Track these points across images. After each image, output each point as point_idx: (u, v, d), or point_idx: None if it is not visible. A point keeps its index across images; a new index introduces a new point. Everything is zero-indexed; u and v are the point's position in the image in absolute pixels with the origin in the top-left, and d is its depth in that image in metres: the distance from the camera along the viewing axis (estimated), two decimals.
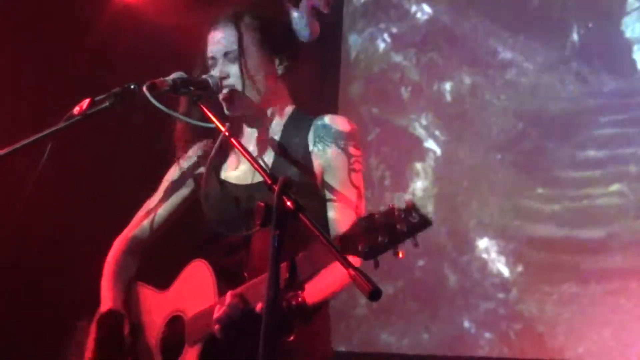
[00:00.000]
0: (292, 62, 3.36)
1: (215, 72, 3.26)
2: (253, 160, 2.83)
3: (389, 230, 2.49)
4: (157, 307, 3.39)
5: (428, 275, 6.19)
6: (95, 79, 5.14)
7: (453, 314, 6.09)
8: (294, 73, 3.37)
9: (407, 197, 6.20)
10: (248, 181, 3.28)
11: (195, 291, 3.17)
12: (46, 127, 3.14)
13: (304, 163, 3.23)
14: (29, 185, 3.20)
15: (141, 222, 3.56)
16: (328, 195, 3.22)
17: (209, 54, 3.30)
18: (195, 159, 3.50)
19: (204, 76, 3.22)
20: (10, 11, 5.32)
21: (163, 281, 3.43)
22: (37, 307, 5.26)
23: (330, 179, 3.21)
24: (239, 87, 3.24)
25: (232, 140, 2.95)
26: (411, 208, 2.50)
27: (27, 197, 3.20)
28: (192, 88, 3.14)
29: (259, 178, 3.18)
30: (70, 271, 5.15)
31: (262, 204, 2.51)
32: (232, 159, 3.40)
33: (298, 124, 3.31)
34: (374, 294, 2.33)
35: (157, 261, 3.73)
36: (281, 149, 3.28)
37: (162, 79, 3.10)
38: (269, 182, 2.60)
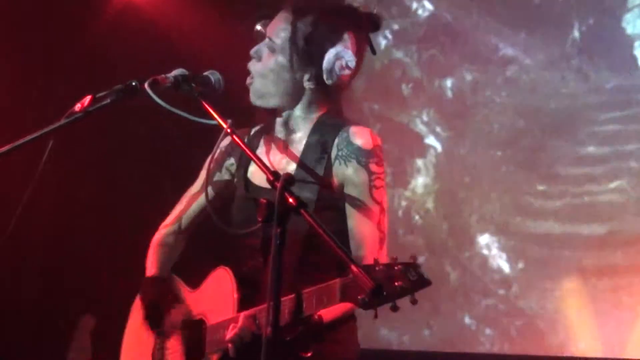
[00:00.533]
0: (321, 87, 3.31)
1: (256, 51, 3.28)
2: (255, 158, 2.82)
3: (388, 285, 2.50)
4: (184, 306, 3.39)
5: (429, 271, 6.04)
6: (96, 76, 5.14)
7: (454, 310, 6.09)
8: (325, 94, 3.34)
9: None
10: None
11: (218, 300, 3.17)
12: (47, 124, 3.14)
13: (326, 171, 3.20)
14: (31, 183, 3.20)
15: (184, 208, 3.54)
16: (348, 207, 3.19)
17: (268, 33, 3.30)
18: (228, 148, 3.47)
19: (205, 73, 3.21)
20: (11, 9, 5.31)
21: (191, 279, 3.44)
22: (41, 303, 5.26)
23: (350, 195, 3.18)
24: (260, 80, 3.25)
25: (234, 137, 2.94)
26: (411, 266, 2.54)
27: (29, 194, 3.20)
28: (193, 85, 3.13)
29: None
30: (74, 267, 5.16)
31: (265, 200, 2.51)
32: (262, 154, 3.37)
33: (325, 130, 3.27)
34: (376, 292, 2.34)
35: (188, 258, 3.74)
36: (306, 152, 3.25)
37: (163, 75, 3.09)
38: (271, 178, 2.60)
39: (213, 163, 3.43)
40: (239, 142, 2.91)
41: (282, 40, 3.25)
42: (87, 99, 3.12)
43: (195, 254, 3.86)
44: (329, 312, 2.95)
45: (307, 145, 3.27)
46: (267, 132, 3.37)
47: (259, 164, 2.78)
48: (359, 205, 3.17)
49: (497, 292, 6.01)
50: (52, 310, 5.16)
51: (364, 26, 3.38)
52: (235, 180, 3.41)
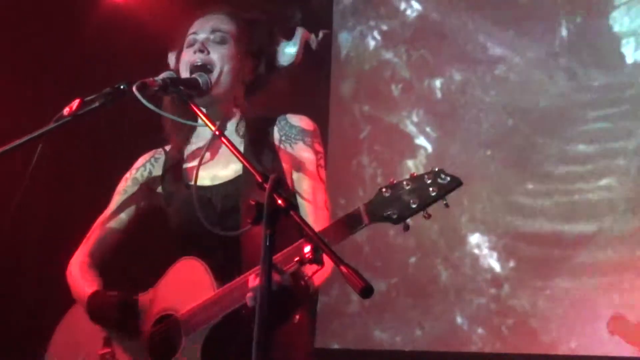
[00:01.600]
0: (257, 81, 3.38)
1: (194, 48, 3.27)
2: (244, 159, 2.82)
3: (418, 194, 2.66)
4: (142, 310, 3.34)
5: (420, 271, 6.20)
6: (85, 79, 5.14)
7: (446, 310, 6.10)
8: (254, 90, 3.39)
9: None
10: (224, 180, 3.29)
11: (189, 287, 3.14)
12: (36, 128, 3.13)
13: (274, 166, 3.24)
14: (20, 187, 3.19)
15: (98, 236, 3.53)
16: (300, 192, 3.25)
17: (192, 30, 3.33)
18: (148, 167, 3.50)
19: (193, 75, 3.22)
20: (0, 11, 5.31)
21: (132, 288, 3.38)
22: (33, 304, 5.27)
23: (301, 176, 3.25)
24: (216, 69, 3.26)
25: (222, 139, 2.94)
26: (439, 171, 2.67)
27: (19, 199, 3.19)
28: (181, 87, 3.13)
29: (231, 175, 3.24)
30: (64, 269, 5.15)
31: (253, 202, 2.51)
32: (189, 159, 3.38)
33: (258, 125, 3.33)
34: (366, 291, 2.33)
35: (124, 270, 3.73)
36: (250, 149, 3.28)
37: (152, 78, 3.08)
38: (260, 180, 2.60)
39: (128, 184, 3.49)
40: (227, 143, 2.91)
41: (229, 29, 3.32)
42: (76, 103, 3.10)
43: (131, 265, 3.86)
44: (319, 277, 2.97)
45: (247, 142, 3.30)
46: (187, 141, 3.40)
47: (248, 165, 2.77)
48: (311, 191, 3.24)
49: (488, 292, 6.02)
50: (46, 309, 5.15)
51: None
52: (165, 187, 3.41)
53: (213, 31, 3.32)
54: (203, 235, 3.20)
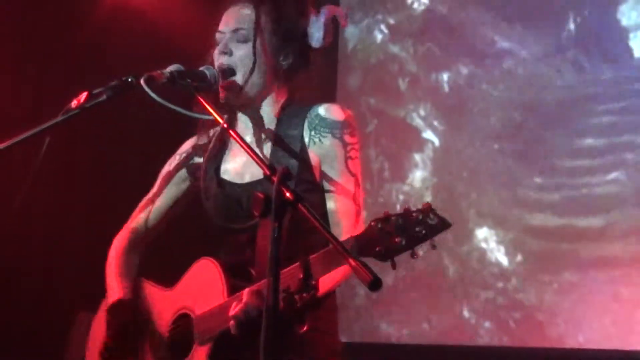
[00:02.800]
0: (297, 62, 3.34)
1: (219, 49, 3.24)
2: (252, 152, 2.81)
3: (406, 232, 2.56)
4: (163, 304, 3.37)
5: (428, 265, 6.19)
6: (92, 72, 5.13)
7: (453, 303, 6.10)
8: (296, 73, 3.36)
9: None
10: (247, 179, 3.28)
11: (204, 290, 3.15)
12: (44, 121, 3.13)
13: (301, 156, 3.22)
14: (27, 180, 3.19)
15: (140, 218, 3.55)
16: (327, 185, 3.21)
17: (219, 28, 3.29)
18: (190, 151, 3.50)
19: (201, 68, 3.21)
20: (5, 4, 5.30)
21: (168, 278, 3.41)
22: (38, 301, 5.26)
23: (328, 169, 3.21)
24: (240, 70, 3.23)
25: (230, 131, 2.94)
26: (429, 210, 2.55)
27: (25, 192, 3.19)
28: (189, 80, 3.12)
29: (257, 175, 3.20)
30: (69, 264, 5.16)
31: (262, 195, 2.50)
32: (232, 152, 3.38)
33: (292, 117, 3.29)
34: (375, 284, 2.33)
35: (161, 258, 3.73)
36: (278, 143, 3.26)
37: (159, 71, 3.08)
38: (268, 173, 2.59)
39: (173, 168, 3.49)
40: (235, 136, 2.90)
41: (253, 25, 3.26)
42: (83, 96, 3.11)
43: (168, 254, 3.86)
44: (326, 284, 2.95)
45: (278, 134, 3.28)
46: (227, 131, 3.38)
47: (256, 159, 2.76)
48: (337, 184, 3.20)
49: (495, 285, 6.01)
50: (49, 308, 5.15)
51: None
52: (203, 181, 3.40)
53: (235, 30, 3.25)
54: (231, 233, 3.20)
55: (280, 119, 3.31)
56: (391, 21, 6.63)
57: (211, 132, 3.42)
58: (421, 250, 2.62)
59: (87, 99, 3.11)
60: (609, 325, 5.61)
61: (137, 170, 3.93)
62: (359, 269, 2.35)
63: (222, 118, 3.00)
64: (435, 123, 6.38)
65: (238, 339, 2.94)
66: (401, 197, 6.33)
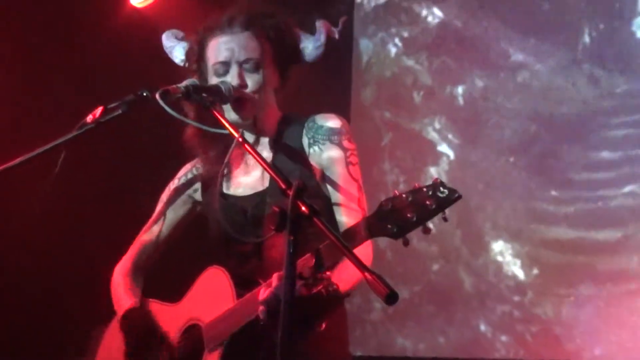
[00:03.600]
0: (291, 78, 3.38)
1: (229, 78, 3.23)
2: (267, 166, 2.81)
3: (417, 208, 2.57)
4: (170, 319, 3.37)
5: (443, 278, 6.18)
6: (106, 87, 5.15)
7: (469, 317, 6.08)
8: (289, 85, 3.39)
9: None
10: (249, 192, 3.30)
11: (212, 297, 3.16)
12: (57, 135, 3.15)
13: (303, 164, 3.24)
14: (43, 193, 3.20)
15: (142, 246, 3.57)
16: (332, 194, 3.24)
17: (219, 58, 3.27)
18: (189, 176, 3.53)
19: (215, 82, 3.21)
20: (20, 19, 5.33)
21: (173, 295, 3.43)
22: (53, 316, 5.26)
23: (330, 176, 3.24)
24: (254, 97, 3.24)
25: (246, 146, 2.94)
26: (438, 184, 2.57)
27: (41, 205, 3.20)
28: (204, 94, 3.12)
29: (259, 187, 3.26)
30: (85, 279, 5.16)
31: (277, 209, 2.50)
32: (234, 168, 3.39)
33: (290, 129, 3.33)
34: (391, 298, 2.32)
35: (164, 277, 3.74)
36: (279, 154, 3.29)
37: (174, 85, 3.08)
38: (284, 187, 2.59)
39: (173, 192, 3.53)
40: (251, 150, 2.91)
41: (260, 53, 3.27)
42: (99, 110, 3.13)
43: (172, 272, 3.87)
44: (346, 282, 2.97)
45: (277, 147, 3.31)
46: (225, 151, 3.39)
47: (271, 172, 2.77)
48: (341, 191, 3.22)
49: (512, 299, 5.99)
50: (59, 322, 5.17)
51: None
52: (204, 197, 3.44)
53: (246, 60, 3.24)
54: (236, 245, 3.21)
55: (278, 131, 3.34)
56: (405, 34, 6.63)
57: (211, 154, 3.43)
58: (432, 224, 2.62)
59: (102, 114, 3.13)
60: (626, 338, 5.59)
61: (147, 184, 3.94)
62: (375, 282, 2.34)
63: (237, 132, 3.00)
64: (450, 136, 6.37)
65: (264, 325, 2.91)
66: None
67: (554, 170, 6.02)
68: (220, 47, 3.27)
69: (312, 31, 3.37)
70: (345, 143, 3.27)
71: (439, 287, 6.17)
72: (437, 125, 6.41)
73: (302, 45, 3.35)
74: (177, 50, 3.49)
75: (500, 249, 6.08)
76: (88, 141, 3.20)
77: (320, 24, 3.36)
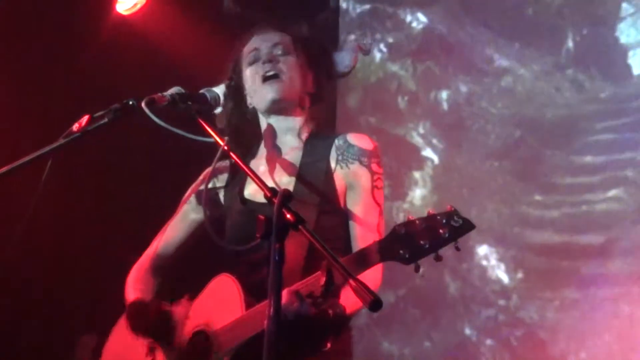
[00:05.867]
0: (322, 87, 3.44)
1: (259, 61, 3.32)
2: (252, 174, 2.83)
3: (431, 235, 2.63)
4: (181, 322, 3.36)
5: (428, 283, 6.19)
6: (93, 95, 5.15)
7: (454, 321, 6.09)
8: (320, 100, 3.42)
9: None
10: None
11: (222, 304, 3.17)
12: (46, 144, 3.15)
13: (326, 184, 3.26)
14: (31, 202, 3.20)
15: (161, 245, 3.60)
16: (351, 214, 3.26)
17: (252, 46, 3.38)
18: (213, 179, 3.53)
19: (201, 91, 3.23)
20: (9, 28, 5.33)
21: (189, 295, 3.43)
22: (43, 321, 5.26)
23: (353, 197, 3.26)
24: (284, 76, 3.33)
25: (231, 154, 2.95)
26: (453, 212, 2.64)
27: (30, 214, 3.21)
28: (190, 103, 3.14)
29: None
30: (74, 286, 5.16)
31: (263, 217, 2.52)
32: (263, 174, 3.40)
33: (318, 143, 3.35)
34: (375, 304, 2.34)
35: (178, 279, 3.75)
36: (305, 165, 3.32)
37: (160, 94, 3.10)
38: (269, 195, 2.61)
39: (193, 196, 3.56)
40: (237, 159, 2.92)
41: (290, 43, 3.37)
42: (85, 119, 3.13)
43: (184, 277, 3.87)
44: (351, 304, 2.99)
45: (305, 156, 3.33)
46: (254, 155, 3.44)
47: (257, 181, 2.78)
48: (361, 209, 3.25)
49: (497, 303, 6.01)
50: (53, 329, 5.16)
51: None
52: (225, 201, 3.45)
53: (275, 45, 3.37)
54: (247, 252, 3.22)
55: (307, 143, 3.38)
56: (390, 40, 6.65)
57: (228, 161, 3.48)
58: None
59: (88, 122, 3.13)
60: (610, 342, 5.60)
61: (142, 191, 3.96)
62: (360, 289, 2.36)
63: (222, 140, 3.01)
64: (435, 141, 6.39)
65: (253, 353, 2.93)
66: (401, 215, 6.32)
67: (538, 175, 6.04)
68: (252, 43, 3.43)
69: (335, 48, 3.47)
70: (374, 167, 3.31)
71: (424, 292, 6.18)
72: (421, 130, 6.44)
73: (333, 59, 3.42)
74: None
75: (485, 253, 6.10)
76: (77, 150, 3.21)
77: (352, 39, 3.46)
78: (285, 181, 3.30)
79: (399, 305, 6.21)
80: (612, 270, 5.68)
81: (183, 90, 3.17)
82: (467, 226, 2.65)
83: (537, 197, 6.00)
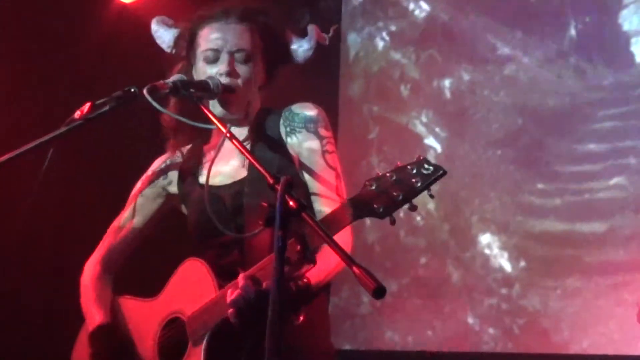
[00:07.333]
0: (278, 77, 3.40)
1: (218, 67, 3.23)
2: (255, 160, 2.81)
3: (403, 186, 2.59)
4: (148, 315, 3.34)
5: (431, 272, 6.20)
6: (95, 83, 5.14)
7: (457, 310, 6.10)
8: (274, 84, 3.40)
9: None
10: (236, 177, 3.28)
11: (193, 289, 3.13)
12: (48, 132, 3.14)
13: (282, 153, 3.24)
14: (32, 191, 3.20)
15: (113, 241, 3.54)
16: (310, 183, 3.22)
17: (211, 45, 3.27)
18: (163, 167, 3.51)
19: (204, 77, 3.21)
20: (10, 16, 5.31)
21: (148, 291, 3.39)
22: (44, 313, 5.26)
23: (307, 164, 3.23)
24: (240, 90, 3.24)
25: (234, 141, 2.93)
26: (422, 161, 2.60)
27: (30, 203, 3.20)
28: (192, 90, 3.12)
29: (242, 174, 3.24)
30: (75, 276, 5.15)
31: (266, 204, 2.50)
32: (209, 160, 3.35)
33: (268, 119, 3.33)
34: (379, 292, 2.31)
35: (140, 271, 3.73)
36: (258, 143, 3.29)
37: (162, 81, 3.08)
38: (271, 182, 2.59)
39: (146, 187, 3.51)
40: (239, 145, 2.90)
41: (252, 46, 3.27)
42: (87, 106, 3.12)
43: (148, 266, 3.86)
44: (317, 274, 2.95)
45: (255, 137, 3.31)
46: (205, 141, 3.42)
47: (259, 167, 2.76)
48: (316, 175, 3.21)
49: (499, 291, 6.01)
50: (53, 320, 5.15)
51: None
52: (180, 192, 3.44)
53: (238, 50, 3.25)
54: (216, 236, 3.19)
55: (257, 122, 3.33)
56: (393, 28, 6.65)
57: (184, 149, 3.46)
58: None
59: (90, 110, 3.12)
60: (613, 330, 5.61)
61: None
62: (363, 276, 2.34)
63: (225, 127, 2.99)
64: (437, 129, 6.39)
65: (237, 327, 2.92)
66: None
67: (541, 163, 6.03)
68: (214, 35, 3.27)
69: (302, 34, 3.38)
70: (322, 131, 3.26)
71: (427, 280, 6.19)
72: (424, 119, 6.43)
73: (292, 47, 3.36)
74: (165, 36, 3.47)
75: (488, 242, 6.10)
76: (79, 137, 3.19)
77: (312, 29, 3.37)
78: (238, 163, 3.29)
79: (402, 294, 6.21)
80: (614, 258, 5.68)
81: (185, 77, 3.16)
82: (438, 172, 2.60)
83: (540, 186, 6.00)
